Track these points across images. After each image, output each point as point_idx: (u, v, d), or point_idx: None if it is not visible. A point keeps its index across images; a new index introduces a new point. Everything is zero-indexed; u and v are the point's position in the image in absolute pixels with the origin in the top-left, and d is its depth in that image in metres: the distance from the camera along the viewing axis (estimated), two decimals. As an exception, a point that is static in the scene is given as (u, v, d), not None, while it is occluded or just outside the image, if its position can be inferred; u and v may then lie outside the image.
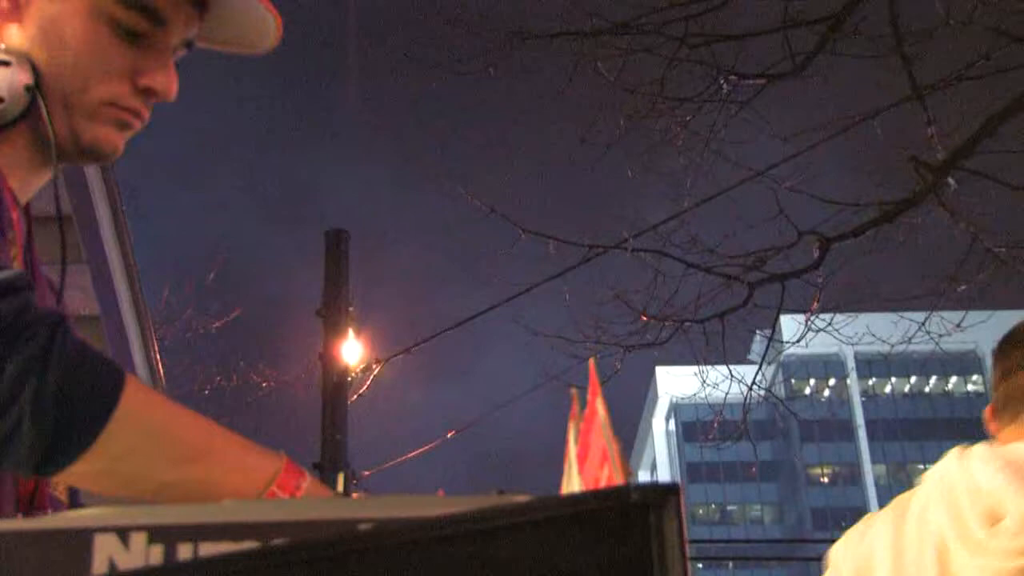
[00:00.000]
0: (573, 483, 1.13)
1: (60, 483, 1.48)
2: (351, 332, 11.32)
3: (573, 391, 1.17)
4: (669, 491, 0.73)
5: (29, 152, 1.47)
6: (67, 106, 1.45)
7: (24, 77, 1.41)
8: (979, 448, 2.25)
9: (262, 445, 1.27)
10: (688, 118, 11.16)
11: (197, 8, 1.54)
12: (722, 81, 10.78)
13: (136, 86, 1.49)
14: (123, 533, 0.81)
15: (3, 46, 1.43)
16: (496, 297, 12.41)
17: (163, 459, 1.20)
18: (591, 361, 1.09)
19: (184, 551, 0.80)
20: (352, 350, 11.32)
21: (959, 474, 2.23)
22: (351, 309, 11.33)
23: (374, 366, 11.68)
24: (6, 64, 1.41)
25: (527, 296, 12.00)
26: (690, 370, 12.31)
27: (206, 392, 21.90)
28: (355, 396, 11.42)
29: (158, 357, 7.59)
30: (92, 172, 5.98)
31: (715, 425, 13.42)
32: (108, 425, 1.16)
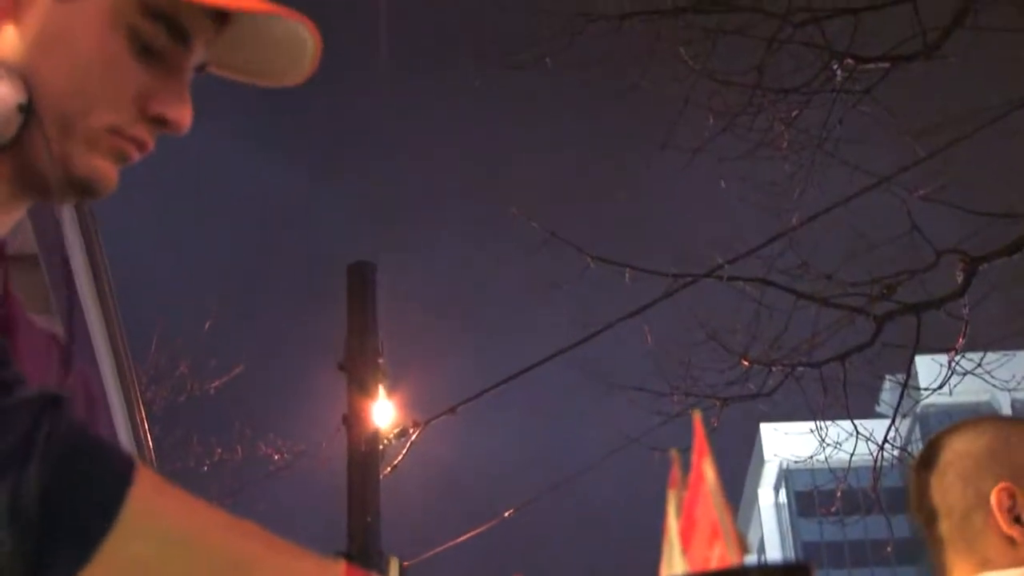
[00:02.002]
0: (675, 565, 1.14)
1: None
2: (381, 389, 11.35)
3: (674, 453, 1.19)
4: (797, 572, 0.73)
5: (8, 184, 1.48)
6: (63, 130, 1.46)
7: (16, 94, 1.42)
8: None
9: (305, 547, 1.21)
10: (794, 113, 11.15)
11: (216, 23, 1.55)
12: (836, 66, 10.76)
13: (145, 112, 1.50)
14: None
15: None
16: (558, 341, 12.38)
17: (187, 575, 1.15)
18: (696, 416, 1.11)
19: None
20: (383, 411, 11.36)
21: None
22: (381, 361, 11.36)
23: (411, 431, 11.72)
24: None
25: (598, 339, 12.00)
26: (804, 427, 12.24)
27: (205, 468, 21.96)
28: (389, 468, 11.45)
29: (146, 427, 7.67)
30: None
31: (837, 495, 13.31)
32: (111, 533, 1.12)
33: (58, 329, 1.61)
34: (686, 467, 1.17)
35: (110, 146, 1.49)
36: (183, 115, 1.53)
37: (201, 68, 1.57)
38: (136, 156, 1.53)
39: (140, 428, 7.43)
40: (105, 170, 1.50)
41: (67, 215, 6.19)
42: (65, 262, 6.21)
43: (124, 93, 1.49)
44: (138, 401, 7.43)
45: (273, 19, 1.54)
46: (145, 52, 1.50)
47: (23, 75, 1.43)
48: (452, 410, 12.17)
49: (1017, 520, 2.47)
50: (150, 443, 7.79)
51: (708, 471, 1.07)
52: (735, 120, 11.18)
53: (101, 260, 6.89)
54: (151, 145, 1.53)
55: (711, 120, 11.32)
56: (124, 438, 7.21)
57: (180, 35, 1.51)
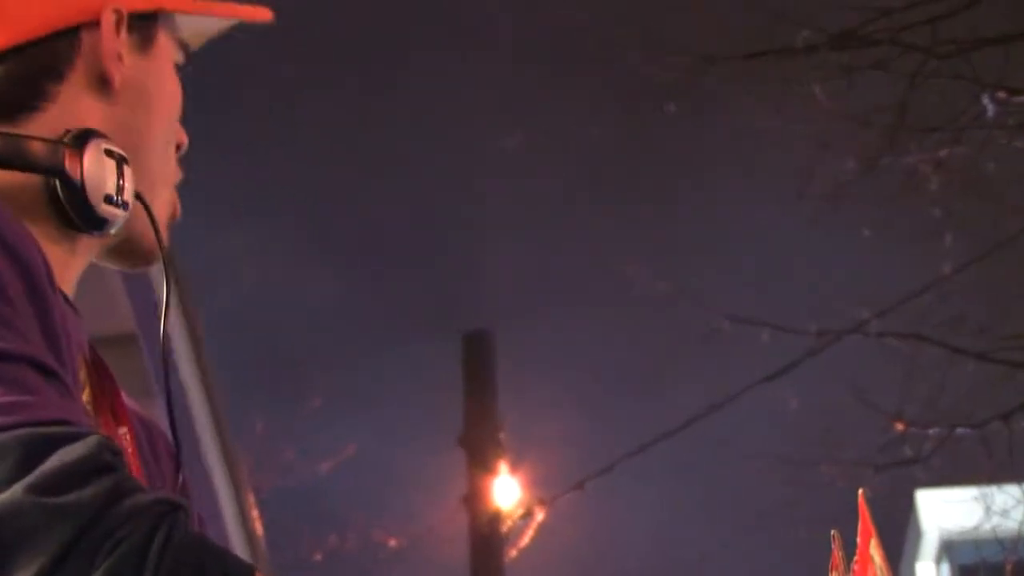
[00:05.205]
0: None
1: None
2: (503, 466, 11.36)
3: (835, 534, 1.17)
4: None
5: (94, 255, 1.55)
6: (152, 187, 1.52)
7: (132, 183, 1.46)
8: None
9: None
10: (941, 153, 11.04)
11: None
12: (986, 100, 10.65)
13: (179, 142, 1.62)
14: None
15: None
16: (689, 406, 12.30)
17: None
18: (860, 494, 1.09)
19: None
20: (506, 489, 11.35)
21: None
22: (502, 435, 11.38)
23: (536, 510, 11.69)
24: (126, 160, 1.46)
25: (731, 405, 11.93)
26: (966, 493, 12.05)
27: (317, 559, 22.00)
28: (514, 551, 11.43)
29: (256, 516, 7.70)
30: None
31: (1008, 570, 13.06)
32: None
33: (158, 418, 1.64)
34: (849, 548, 1.15)
35: (175, 178, 1.60)
36: (185, 136, 1.62)
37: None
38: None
39: (249, 519, 7.47)
40: (175, 201, 1.60)
41: (163, 291, 6.27)
42: (165, 342, 6.28)
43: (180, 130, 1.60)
44: (247, 490, 7.48)
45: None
46: None
47: (126, 150, 1.46)
48: (579, 486, 12.11)
49: None
50: (261, 533, 7.84)
51: (875, 554, 1.05)
52: (876, 163, 11.10)
53: (201, 337, 6.98)
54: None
55: (850, 164, 11.25)
56: (233, 532, 7.26)
57: (185, 51, 1.62)
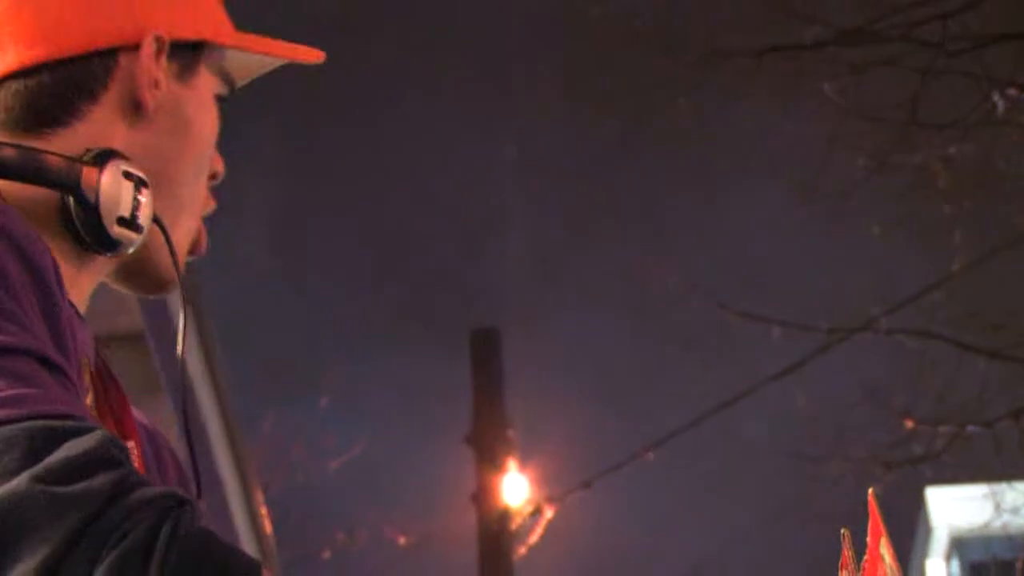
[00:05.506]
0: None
1: None
2: (511, 463, 11.35)
3: (845, 533, 1.17)
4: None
5: (105, 277, 1.54)
6: (176, 215, 1.53)
7: (150, 207, 1.46)
8: None
9: None
10: (951, 150, 11.03)
11: None
12: (996, 97, 10.63)
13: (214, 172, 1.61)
14: None
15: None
16: (699, 404, 12.30)
17: None
18: (871, 493, 1.09)
19: None
20: (515, 487, 11.35)
21: None
22: (510, 433, 11.38)
23: (545, 508, 11.68)
24: (146, 184, 1.46)
25: (741, 403, 11.92)
26: (976, 491, 12.05)
27: (326, 557, 21.98)
28: (523, 549, 11.42)
29: (265, 513, 7.70)
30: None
31: (1018, 568, 13.07)
32: None
33: (166, 416, 1.63)
34: (859, 547, 1.15)
35: (206, 209, 1.60)
36: (222, 165, 1.62)
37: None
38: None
39: (259, 517, 7.47)
40: (201, 232, 1.59)
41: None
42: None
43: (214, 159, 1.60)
44: (256, 488, 7.49)
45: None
46: None
47: (152, 175, 1.47)
48: (587, 485, 12.12)
49: None
50: (270, 531, 7.84)
51: (886, 552, 1.05)
52: (887, 159, 11.10)
53: (211, 335, 6.98)
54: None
55: (861, 161, 11.24)
56: (243, 530, 7.27)
57: (230, 84, 1.62)
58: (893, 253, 13.22)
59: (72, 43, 1.47)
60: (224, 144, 1.59)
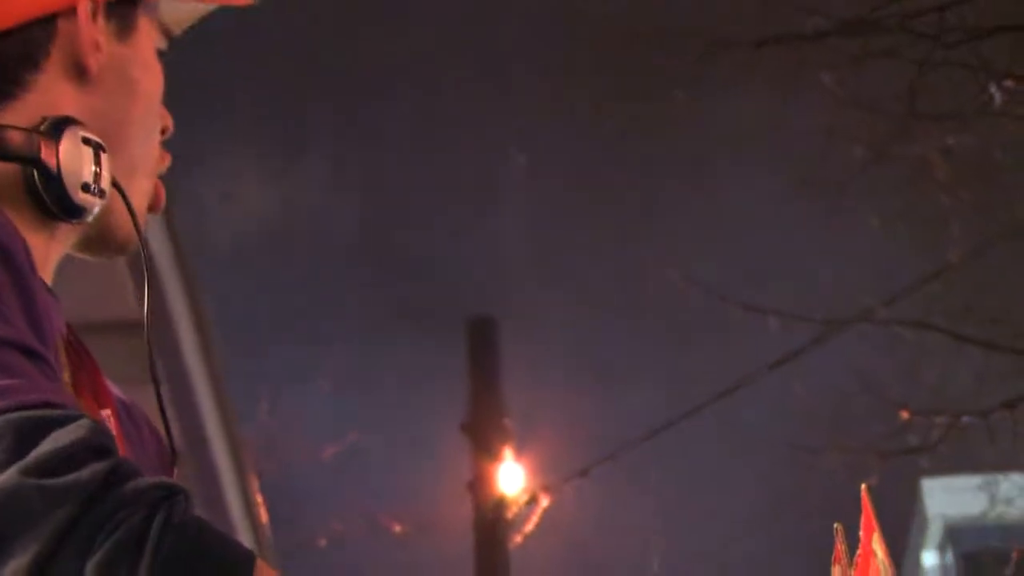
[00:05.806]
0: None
1: None
2: (508, 452, 11.35)
3: (838, 527, 1.17)
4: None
5: (71, 245, 1.54)
6: (130, 174, 1.52)
7: (109, 172, 1.46)
8: None
9: None
10: (949, 141, 11.03)
11: None
12: (993, 88, 10.63)
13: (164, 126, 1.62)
14: None
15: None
16: (695, 393, 12.29)
17: None
18: (863, 489, 1.09)
19: None
20: (511, 476, 11.34)
21: None
22: (506, 421, 11.37)
23: (541, 496, 11.68)
24: (103, 148, 1.45)
25: (737, 393, 11.92)
26: (971, 482, 12.06)
27: (321, 544, 21.97)
28: (519, 537, 11.42)
29: (260, 501, 7.70)
30: (157, 232, 6.10)
31: (1013, 558, 13.06)
32: None
33: (138, 403, 1.63)
34: (851, 541, 1.15)
35: (160, 166, 1.59)
36: (170, 120, 1.62)
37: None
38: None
39: (254, 505, 7.48)
40: (159, 190, 1.59)
41: (170, 275, 6.28)
42: (168, 325, 6.31)
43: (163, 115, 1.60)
44: (251, 477, 7.49)
45: None
46: None
47: (104, 138, 1.46)
48: (583, 473, 12.10)
49: None
50: (265, 520, 7.84)
51: (878, 549, 1.05)
52: (884, 150, 11.09)
53: (206, 319, 6.97)
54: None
55: (858, 151, 11.24)
56: (238, 519, 7.27)
57: (168, 36, 1.62)
58: (890, 244, 13.22)
59: (9, 15, 1.46)
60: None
